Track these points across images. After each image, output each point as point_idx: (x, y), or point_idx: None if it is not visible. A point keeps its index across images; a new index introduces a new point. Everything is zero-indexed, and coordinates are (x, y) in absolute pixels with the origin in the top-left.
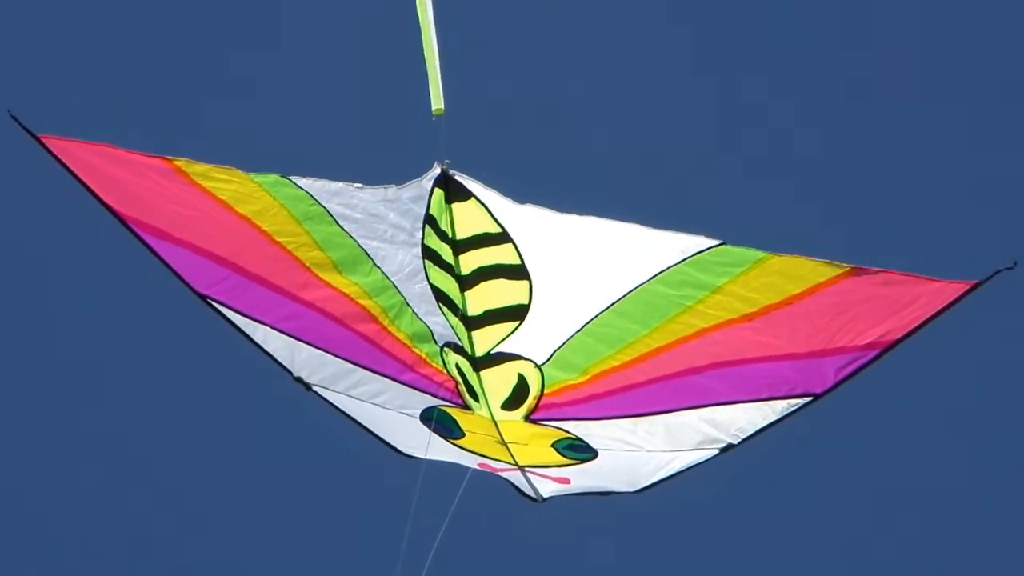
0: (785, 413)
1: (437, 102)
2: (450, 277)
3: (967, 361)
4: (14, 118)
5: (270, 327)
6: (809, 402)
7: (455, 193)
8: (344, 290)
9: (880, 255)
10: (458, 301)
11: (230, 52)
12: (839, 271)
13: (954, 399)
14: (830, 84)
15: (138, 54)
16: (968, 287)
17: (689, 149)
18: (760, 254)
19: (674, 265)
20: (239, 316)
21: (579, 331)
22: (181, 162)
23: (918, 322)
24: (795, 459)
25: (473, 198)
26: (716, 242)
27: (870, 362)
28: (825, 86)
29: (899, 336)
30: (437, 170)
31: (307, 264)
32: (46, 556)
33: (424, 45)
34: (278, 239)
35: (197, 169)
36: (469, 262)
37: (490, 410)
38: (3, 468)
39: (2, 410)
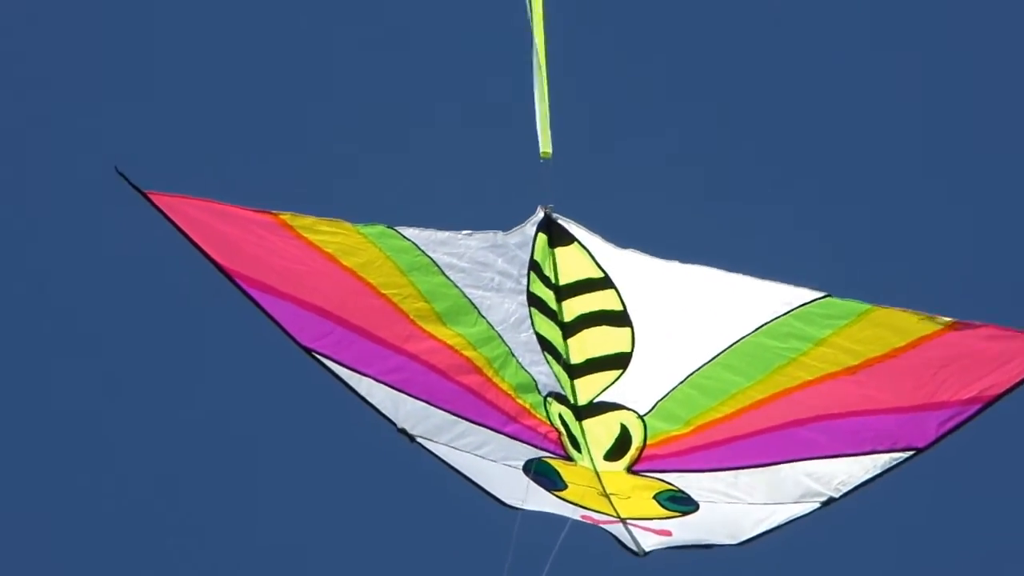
0: (887, 467)
1: (545, 145)
2: (554, 324)
3: None
4: (121, 174)
5: (374, 379)
6: (911, 456)
7: (558, 238)
8: (448, 341)
9: (979, 311)
10: (561, 349)
11: (330, 100)
12: (942, 325)
13: None
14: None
15: (241, 106)
16: None
17: (784, 199)
18: (864, 306)
19: (779, 317)
20: (343, 369)
21: (682, 382)
22: (286, 216)
23: (1021, 376)
24: (896, 513)
25: (576, 242)
26: (821, 294)
27: (972, 416)
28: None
29: (1001, 391)
30: (540, 214)
31: (411, 316)
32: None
33: (536, 88)
34: (383, 291)
35: (302, 223)
36: (572, 308)
37: (592, 460)
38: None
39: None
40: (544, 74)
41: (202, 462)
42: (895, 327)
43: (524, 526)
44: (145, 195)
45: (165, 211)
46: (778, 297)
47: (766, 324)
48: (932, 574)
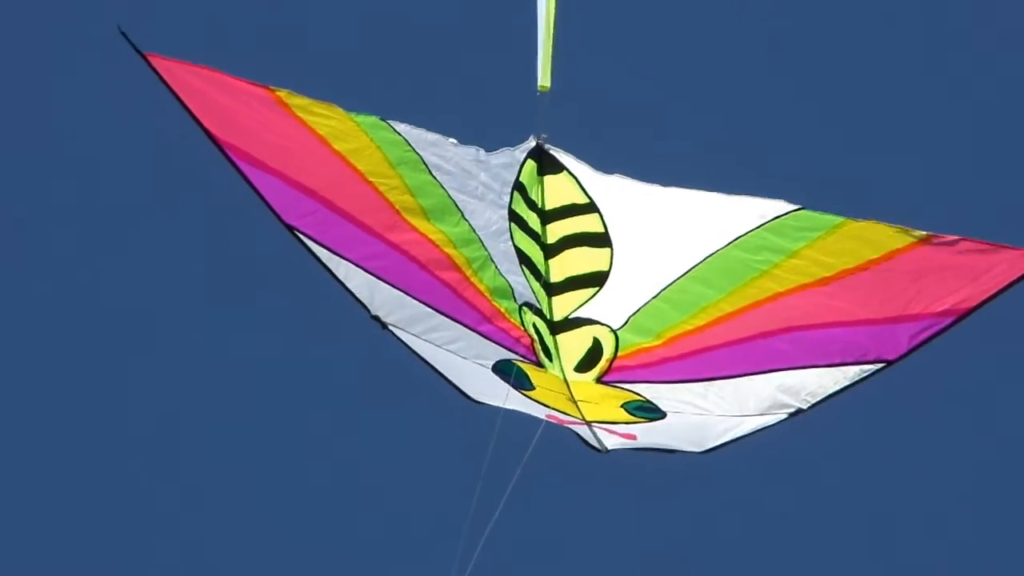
0: (857, 379)
1: (544, 79)
2: (535, 244)
3: None
4: (123, 34)
5: (353, 264)
6: (882, 368)
7: (548, 166)
8: (430, 236)
9: (954, 224)
10: (542, 268)
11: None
12: (916, 238)
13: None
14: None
15: None
16: None
17: (776, 118)
18: (838, 219)
19: (752, 230)
20: (324, 250)
21: (655, 297)
22: (283, 93)
23: (994, 290)
24: (866, 424)
25: (565, 171)
26: (794, 207)
27: (944, 329)
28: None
29: (975, 304)
30: (532, 143)
31: (397, 207)
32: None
33: (541, 19)
34: (370, 179)
35: (298, 102)
36: (555, 231)
37: (563, 370)
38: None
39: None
40: (552, 7)
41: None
42: (868, 240)
43: (499, 424)
44: (144, 57)
45: (162, 75)
46: (752, 210)
47: (739, 237)
48: (896, 488)
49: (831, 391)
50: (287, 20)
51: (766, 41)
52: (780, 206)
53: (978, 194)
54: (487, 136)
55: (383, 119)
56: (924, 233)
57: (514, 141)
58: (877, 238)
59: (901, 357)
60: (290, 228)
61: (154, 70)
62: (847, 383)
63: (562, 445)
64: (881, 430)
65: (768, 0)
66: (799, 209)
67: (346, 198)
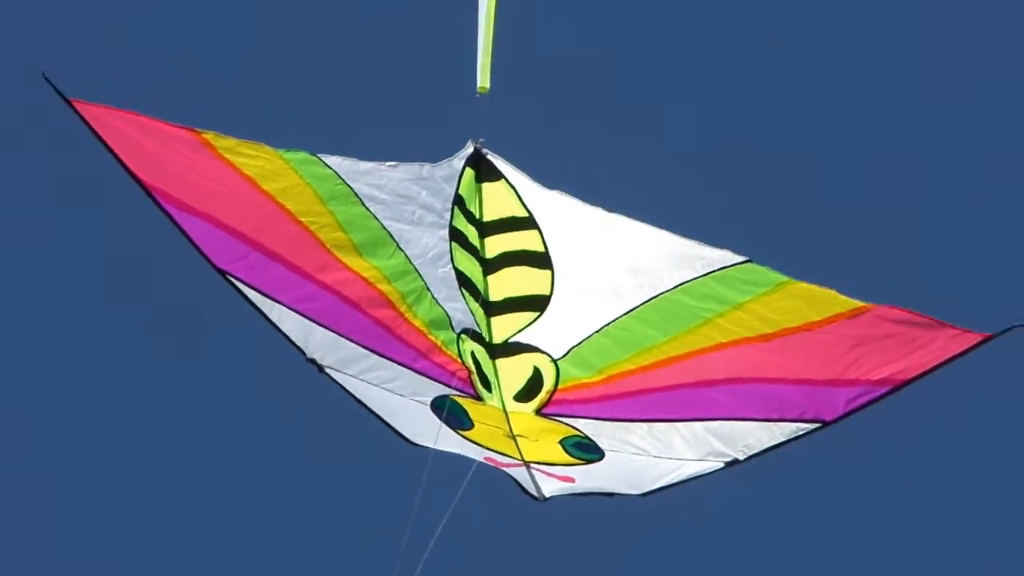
0: (793, 435)
1: (484, 80)
2: (474, 260)
3: (970, 410)
4: (47, 80)
5: (286, 307)
6: (817, 428)
7: (486, 173)
8: (363, 274)
9: (896, 297)
10: (480, 285)
11: (267, 20)
12: (860, 305)
13: (946, 444)
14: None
15: (173, 21)
16: (982, 338)
17: (732, 150)
18: (784, 278)
19: (699, 277)
20: (256, 294)
21: (598, 331)
22: (210, 135)
23: (930, 365)
24: (799, 481)
25: (503, 179)
26: (742, 259)
27: (880, 397)
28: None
29: (911, 376)
30: (470, 148)
31: (328, 246)
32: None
33: (481, 19)
34: (301, 219)
35: (225, 143)
36: (494, 246)
37: (502, 399)
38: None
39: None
40: (493, 5)
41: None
42: (812, 301)
43: (435, 464)
44: (70, 103)
45: (88, 121)
46: (700, 257)
47: (686, 283)
48: (821, 546)
49: (767, 445)
50: (212, 57)
51: (734, 48)
52: (728, 256)
53: (923, 268)
54: (427, 142)
55: (313, 153)
56: (868, 304)
57: (454, 146)
58: (822, 301)
59: (837, 419)
60: (221, 272)
61: (80, 116)
62: (783, 439)
63: (497, 487)
64: (817, 487)
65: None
66: (747, 262)
67: (277, 240)
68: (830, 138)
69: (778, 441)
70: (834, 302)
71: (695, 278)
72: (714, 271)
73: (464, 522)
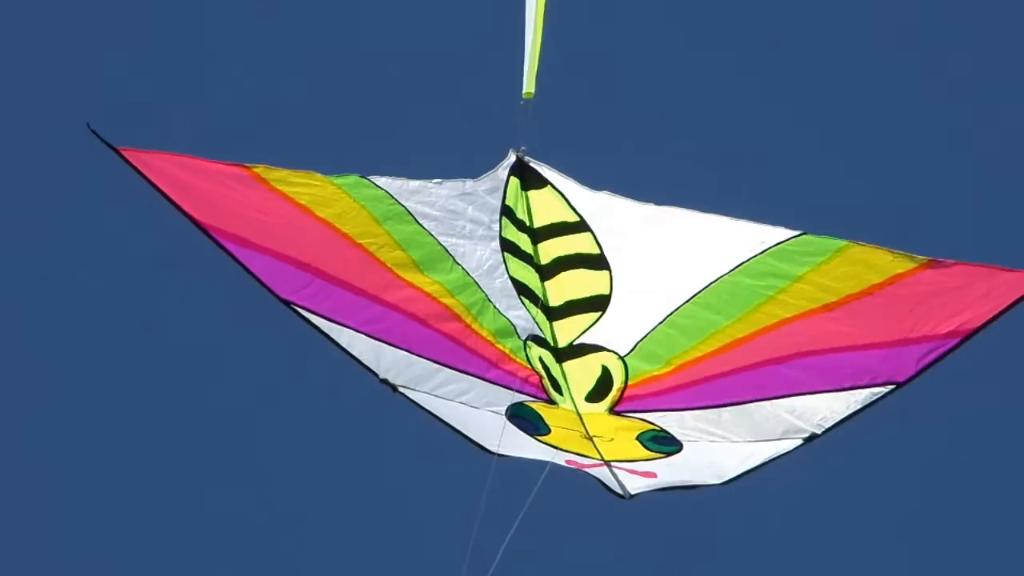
0: (868, 402)
1: (529, 85)
2: (530, 268)
3: None
4: (93, 131)
5: (355, 330)
6: (892, 390)
7: (531, 181)
8: (426, 289)
9: (956, 250)
10: (539, 292)
11: (304, 49)
12: (918, 263)
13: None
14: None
15: (210, 59)
16: None
17: (770, 141)
18: (840, 242)
19: (756, 255)
20: (323, 320)
21: (662, 322)
22: (260, 168)
23: (997, 311)
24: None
25: (549, 186)
26: (797, 232)
27: (951, 350)
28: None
29: (979, 324)
30: (512, 157)
31: (389, 265)
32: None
33: (529, 25)
34: (359, 241)
35: (276, 175)
36: (548, 251)
37: (574, 402)
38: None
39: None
40: (542, 10)
41: (181, 412)
42: (871, 264)
43: (501, 472)
44: (118, 152)
45: (138, 167)
46: (754, 236)
47: (743, 263)
48: (915, 508)
49: (844, 415)
50: (254, 89)
51: (770, 52)
52: (782, 232)
53: (977, 220)
54: (470, 148)
55: (363, 176)
56: (925, 258)
57: (498, 151)
58: (879, 263)
59: (911, 379)
60: (286, 303)
61: (129, 164)
62: (859, 407)
63: (578, 486)
64: (893, 455)
65: (769, 6)
66: (801, 234)
67: (338, 265)
68: (875, 101)
69: (854, 410)
70: (893, 263)
71: (752, 257)
72: (770, 248)
73: (539, 526)
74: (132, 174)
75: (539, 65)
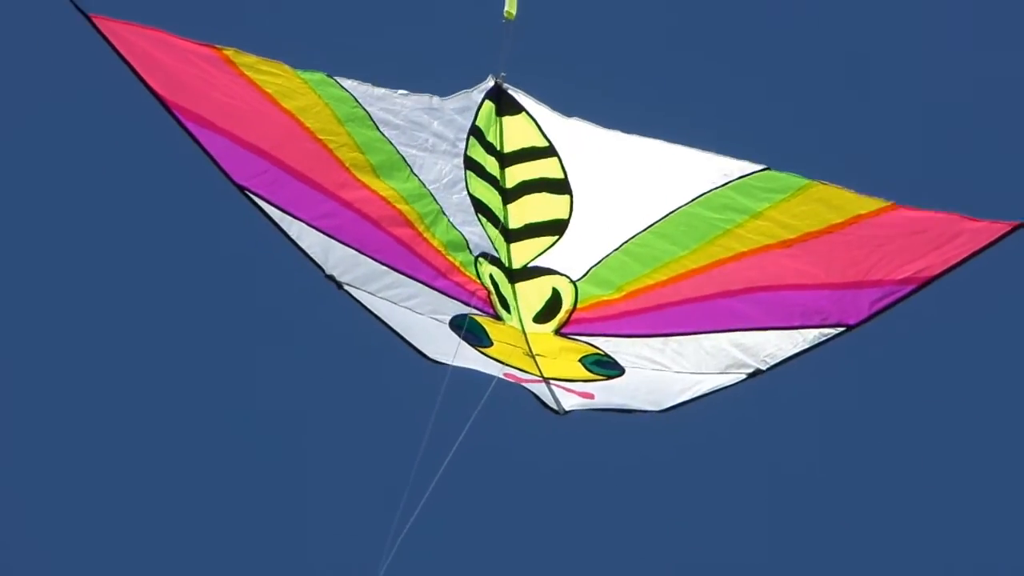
0: (816, 342)
1: (511, 5)
2: (493, 189)
3: (1003, 303)
4: None
5: (306, 223)
6: (841, 332)
7: (506, 107)
8: (381, 193)
9: (920, 196)
10: (500, 214)
11: None
12: (882, 204)
13: (982, 341)
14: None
15: None
16: (1011, 227)
17: (747, 74)
18: (804, 181)
19: (717, 188)
20: (276, 210)
21: (616, 249)
22: (230, 52)
23: (957, 260)
24: (822, 390)
25: (524, 112)
26: (760, 167)
27: (905, 296)
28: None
29: (936, 272)
30: (490, 83)
31: (347, 164)
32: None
33: None
34: (320, 136)
35: (245, 60)
36: (514, 175)
37: (521, 321)
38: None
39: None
40: None
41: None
42: (833, 204)
43: (451, 381)
44: (89, 19)
45: (108, 37)
46: (717, 168)
47: (703, 194)
48: (850, 451)
49: (790, 353)
50: None
51: None
52: (745, 166)
53: (944, 168)
54: (446, 69)
55: (330, 75)
56: (888, 201)
57: (476, 73)
58: (842, 203)
59: (861, 322)
60: (241, 188)
61: (99, 32)
62: (806, 346)
63: (515, 403)
64: (838, 394)
65: None
66: (765, 169)
67: (296, 157)
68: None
69: (801, 348)
70: (855, 203)
71: (713, 189)
72: (732, 181)
73: (481, 440)
74: (101, 43)
75: None
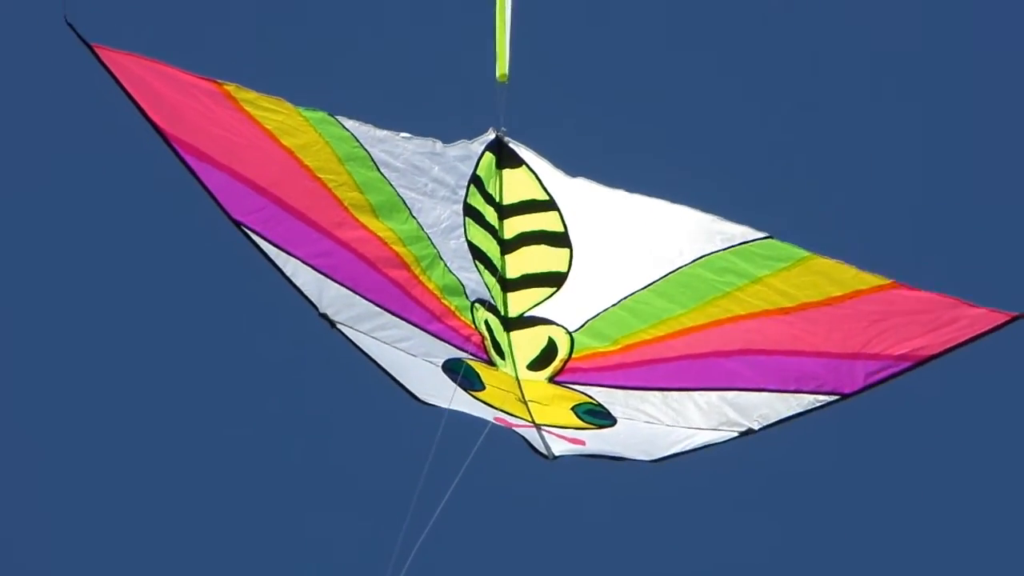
0: (810, 407)
1: (502, 68)
2: (491, 239)
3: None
4: (69, 25)
5: (301, 261)
6: (835, 400)
7: (507, 160)
8: (379, 233)
9: (924, 279)
10: (498, 263)
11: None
12: (883, 282)
13: (977, 422)
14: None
15: None
16: (1011, 317)
17: (752, 138)
18: (805, 253)
19: (718, 251)
20: (271, 247)
21: (615, 304)
22: (231, 87)
23: (955, 343)
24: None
25: (524, 166)
26: (763, 234)
27: (901, 372)
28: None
29: (934, 352)
30: (491, 135)
31: (345, 203)
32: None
33: (497, 8)
34: (319, 175)
35: (246, 96)
36: (513, 227)
37: (515, 367)
38: None
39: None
40: None
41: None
42: (833, 277)
43: (446, 426)
44: (92, 48)
45: (109, 67)
46: (720, 232)
47: (704, 256)
48: (839, 516)
49: (783, 415)
50: (236, 13)
51: (760, 50)
52: (748, 232)
53: (948, 251)
54: (447, 129)
55: (331, 114)
56: (888, 280)
57: (474, 134)
58: (842, 277)
59: (856, 392)
60: (237, 224)
61: (101, 62)
62: (800, 410)
63: (508, 448)
64: (831, 461)
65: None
66: (767, 238)
67: (294, 194)
68: (851, 113)
69: (795, 412)
70: (856, 279)
71: (715, 252)
72: (734, 246)
73: (475, 483)
74: (103, 73)
75: (509, 48)
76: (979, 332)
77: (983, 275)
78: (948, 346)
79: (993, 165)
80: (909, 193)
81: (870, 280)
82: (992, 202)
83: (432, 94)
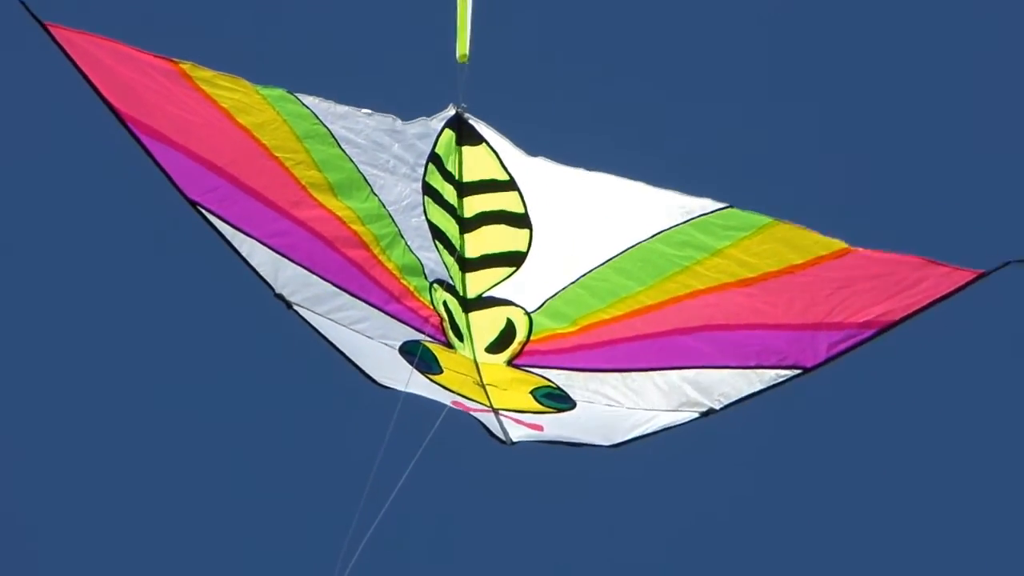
0: (772, 383)
1: (463, 48)
2: (450, 217)
3: (962, 352)
4: (22, 3)
5: (257, 241)
6: (798, 375)
7: (467, 137)
8: (337, 213)
9: (888, 240)
10: (456, 242)
11: None
12: (844, 246)
13: (942, 391)
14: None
15: None
16: (975, 275)
17: (716, 110)
18: (766, 219)
19: (677, 225)
20: (227, 227)
21: (573, 283)
22: (187, 65)
23: (919, 306)
24: (777, 431)
25: (484, 143)
26: (722, 205)
27: (865, 341)
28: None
29: (898, 318)
30: (451, 111)
31: (303, 182)
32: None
33: None
34: (276, 154)
35: (202, 74)
36: (473, 205)
37: (473, 350)
38: None
39: None
40: None
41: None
42: (794, 244)
43: (402, 409)
44: (45, 27)
45: (63, 46)
46: (679, 205)
47: (664, 231)
48: (800, 494)
49: (745, 393)
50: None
51: (717, 21)
52: (707, 203)
53: (910, 208)
54: (406, 110)
55: (290, 91)
56: (851, 245)
57: (434, 112)
58: (803, 243)
59: (818, 365)
60: (193, 203)
61: (55, 40)
62: (762, 387)
63: (465, 432)
64: (792, 436)
65: None
66: (727, 207)
67: (251, 173)
68: (809, 72)
69: (756, 389)
70: (817, 244)
71: (673, 226)
72: (693, 218)
73: (431, 467)
74: (57, 51)
75: (471, 28)
76: (943, 294)
77: (949, 231)
78: (911, 310)
79: (953, 116)
80: (866, 149)
81: (831, 244)
82: (952, 154)
83: (393, 73)
